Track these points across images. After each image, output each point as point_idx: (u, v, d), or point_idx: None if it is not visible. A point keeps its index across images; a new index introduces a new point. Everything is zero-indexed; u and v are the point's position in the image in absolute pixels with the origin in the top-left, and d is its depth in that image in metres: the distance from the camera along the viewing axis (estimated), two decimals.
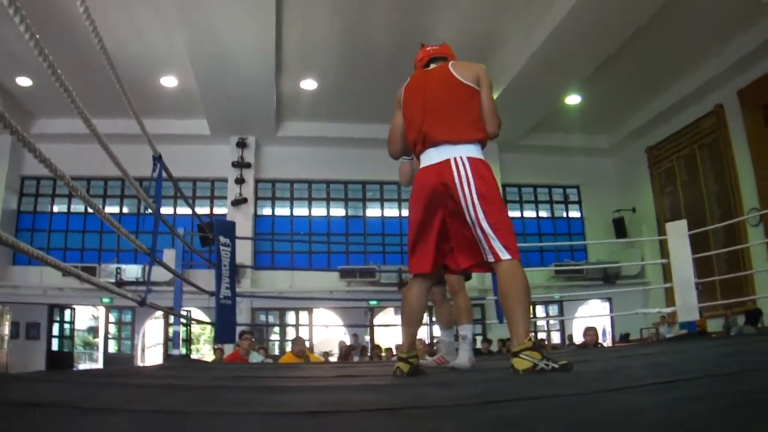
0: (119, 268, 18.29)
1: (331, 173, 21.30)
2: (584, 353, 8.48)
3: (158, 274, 11.92)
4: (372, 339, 20.21)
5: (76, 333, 21.66)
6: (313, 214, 21.54)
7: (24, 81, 17.06)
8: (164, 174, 6.89)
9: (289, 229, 21.13)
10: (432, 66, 4.49)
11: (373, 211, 21.97)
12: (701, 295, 10.12)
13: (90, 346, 23.94)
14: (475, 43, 14.40)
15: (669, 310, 12.23)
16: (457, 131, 4.04)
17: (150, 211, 6.46)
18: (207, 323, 12.78)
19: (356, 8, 14.59)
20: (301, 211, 21.51)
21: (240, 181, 19.93)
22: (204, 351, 24.98)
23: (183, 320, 11.28)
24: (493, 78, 4.83)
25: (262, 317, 20.48)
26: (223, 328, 9.12)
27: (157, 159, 6.62)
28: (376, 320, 21.32)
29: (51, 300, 18.83)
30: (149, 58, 16.05)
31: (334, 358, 17.22)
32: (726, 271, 16.15)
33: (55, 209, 20.55)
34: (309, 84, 17.80)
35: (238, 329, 10.63)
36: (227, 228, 9.45)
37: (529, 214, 22.63)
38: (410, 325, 4.30)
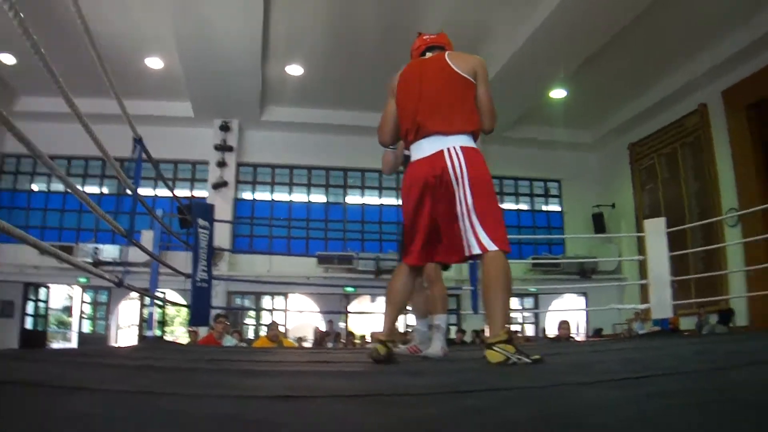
0: (97, 248, 18.19)
1: (312, 159, 21.26)
2: (557, 346, 8.52)
3: (136, 254, 11.92)
4: (347, 326, 20.23)
5: (50, 312, 21.56)
6: (293, 199, 21.50)
7: (8, 58, 16.90)
8: (144, 156, 6.88)
9: (269, 214, 21.09)
10: (428, 55, 4.46)
11: (353, 199, 21.97)
12: (676, 292, 10.20)
13: (64, 325, 23.83)
14: (462, 34, 14.31)
15: (643, 306, 12.31)
16: (450, 122, 4.02)
17: (129, 191, 6.45)
18: (182, 305, 12.75)
19: None
20: (281, 196, 21.47)
21: (221, 164, 19.85)
22: (178, 333, 24.89)
23: (158, 302, 11.27)
24: None
25: (238, 301, 20.46)
26: (198, 310, 9.10)
27: (138, 141, 6.61)
28: (352, 307, 21.33)
29: (26, 278, 18.70)
30: (135, 39, 15.93)
31: (308, 344, 17.23)
32: (702, 269, 16.23)
33: (35, 188, 20.43)
34: (295, 69, 17.73)
35: (213, 312, 10.63)
36: (206, 211, 9.44)
37: (509, 206, 22.70)
38: (393, 309, 4.29)
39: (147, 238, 11.95)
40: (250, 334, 19.61)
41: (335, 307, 20.22)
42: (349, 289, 19.27)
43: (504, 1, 14.58)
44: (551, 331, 17.92)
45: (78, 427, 1.33)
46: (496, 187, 21.63)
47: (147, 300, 10.22)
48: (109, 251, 18.15)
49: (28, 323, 19.34)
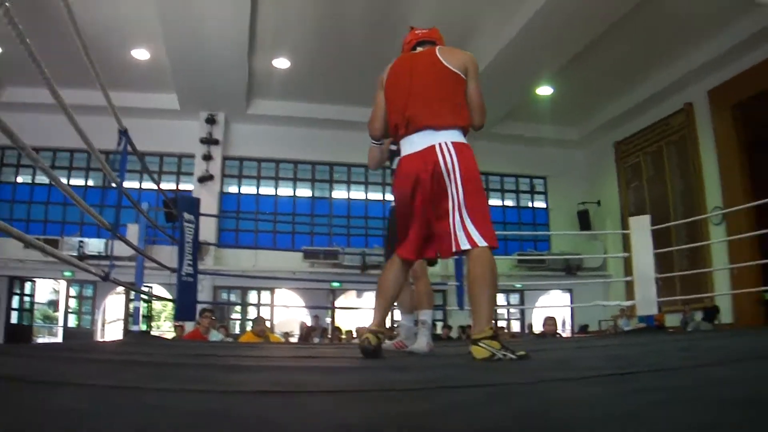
0: (82, 241, 18.10)
1: (299, 153, 21.21)
2: (542, 342, 8.55)
3: (121, 249, 11.84)
4: (333, 321, 20.23)
5: (36, 306, 21.47)
6: (279, 193, 21.44)
7: None
8: (130, 148, 6.85)
9: (255, 208, 21.03)
10: (419, 49, 4.46)
11: (339, 193, 21.94)
12: (661, 289, 10.24)
13: (50, 319, 23.75)
14: (450, 30, 14.29)
15: (628, 303, 12.38)
16: (441, 117, 4.03)
17: (114, 184, 6.43)
18: (168, 300, 12.73)
19: None
20: (267, 190, 21.40)
21: (207, 157, 19.78)
22: (164, 328, 24.86)
23: (144, 296, 11.24)
24: None
25: (224, 295, 20.41)
26: (184, 305, 9.08)
27: (123, 133, 6.58)
28: (338, 302, 21.34)
29: (11, 272, 18.57)
30: (121, 30, 15.80)
31: (294, 339, 17.22)
32: (687, 267, 16.31)
33: (20, 180, 20.26)
34: (282, 63, 17.66)
35: (199, 307, 10.61)
36: (192, 204, 9.41)
37: (495, 202, 22.70)
38: (383, 301, 4.33)
39: (132, 231, 11.92)
40: (236, 329, 19.60)
41: (321, 302, 20.23)
42: (335, 284, 19.27)
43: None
44: (537, 327, 17.97)
45: (63, 423, 1.33)
46: (483, 184, 21.74)
47: (133, 294, 10.17)
48: (95, 245, 18.05)
49: (14, 318, 19.23)
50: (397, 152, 5.28)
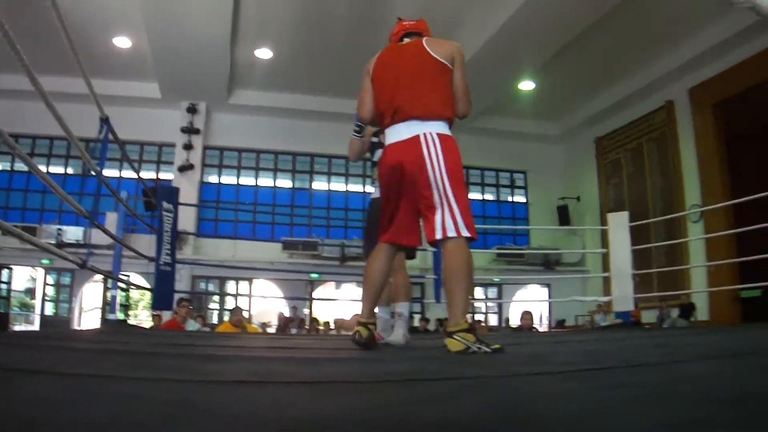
0: (60, 229, 17.97)
1: (280, 144, 21.14)
2: (519, 336, 8.59)
3: (100, 237, 11.84)
4: (311, 312, 20.21)
5: (12, 294, 21.32)
6: (259, 184, 21.38)
7: None
8: (111, 136, 6.83)
9: (234, 198, 20.96)
10: (406, 41, 4.49)
11: (319, 185, 21.89)
12: (638, 286, 10.31)
13: (26, 307, 23.55)
14: (434, 22, 14.19)
15: (605, 299, 12.43)
16: (427, 107, 4.05)
17: (93, 173, 6.40)
18: (146, 289, 12.69)
19: None
20: (247, 180, 21.32)
21: (188, 147, 19.68)
22: (142, 317, 24.74)
23: (121, 285, 11.20)
24: None
25: (203, 285, 20.36)
26: (162, 294, 9.07)
27: (104, 121, 6.56)
28: (316, 293, 21.32)
29: None
30: (103, 17, 15.63)
31: (272, 330, 17.20)
32: (664, 264, 16.42)
33: None
34: (264, 53, 17.58)
35: (177, 296, 10.59)
36: (170, 194, 9.39)
37: (475, 196, 22.72)
38: (371, 291, 4.33)
39: (111, 220, 11.87)
40: (214, 319, 19.54)
41: (300, 293, 20.19)
42: (314, 276, 19.26)
43: None
44: (514, 321, 18.03)
45: (38, 411, 1.34)
46: (464, 176, 21.74)
47: (110, 283, 10.13)
48: (73, 233, 17.94)
49: None
50: (379, 144, 5.31)
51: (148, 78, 18.49)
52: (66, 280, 20.22)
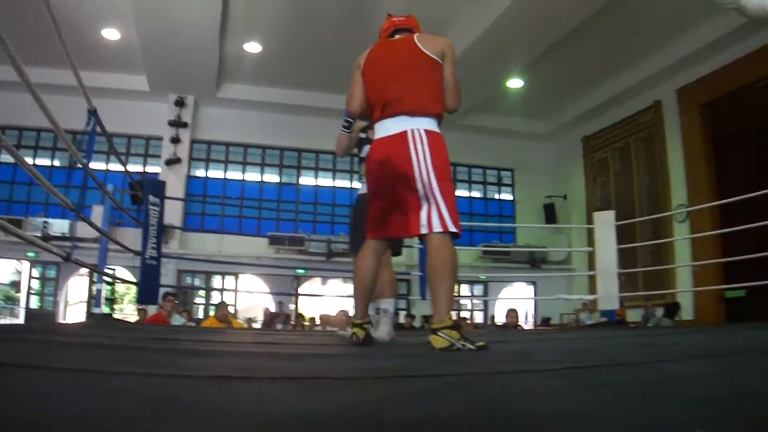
0: (46, 222, 17.87)
1: (267, 138, 21.10)
2: (503, 334, 8.59)
3: (87, 230, 11.79)
4: (297, 307, 20.19)
5: None
6: (246, 178, 21.34)
7: None
8: (98, 129, 6.80)
9: (221, 192, 20.91)
10: (397, 37, 4.47)
11: (306, 180, 21.87)
12: (623, 285, 10.33)
13: (11, 300, 23.46)
14: (423, 19, 14.20)
15: (591, 297, 12.48)
16: (416, 103, 4.06)
17: (80, 165, 6.38)
18: (131, 283, 12.65)
19: None
20: (234, 174, 21.28)
21: (175, 140, 19.63)
22: (128, 311, 24.70)
23: (107, 279, 11.17)
24: None
25: (189, 280, 20.33)
26: (147, 288, 9.04)
27: (92, 113, 6.53)
28: (302, 289, 21.30)
29: None
30: (92, 9, 15.54)
31: (257, 325, 17.18)
32: (650, 263, 16.50)
33: None
34: (253, 47, 17.53)
35: (163, 290, 10.56)
36: (157, 187, 9.35)
37: (462, 193, 22.78)
38: (362, 292, 4.36)
39: (97, 213, 11.81)
40: (200, 314, 19.48)
41: (285, 288, 20.16)
42: (300, 271, 19.24)
43: None
44: (500, 318, 18.06)
45: (21, 405, 1.33)
46: (451, 173, 21.72)
47: (96, 276, 10.11)
48: (59, 226, 17.85)
49: None
50: (366, 140, 5.31)
51: (137, 70, 18.43)
52: (51, 273, 20.15)
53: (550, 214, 21.77)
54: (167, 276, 15.76)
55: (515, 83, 19.20)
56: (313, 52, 17.25)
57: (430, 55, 4.15)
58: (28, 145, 19.70)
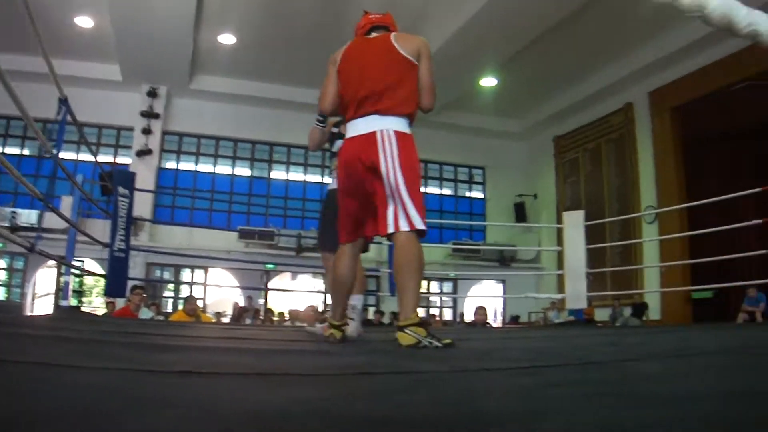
0: (14, 212, 17.67)
1: (239, 131, 21.01)
2: (472, 332, 8.63)
3: (55, 221, 11.69)
4: (266, 302, 20.14)
5: None
6: (217, 171, 21.25)
7: None
8: (69, 118, 6.75)
9: (192, 185, 20.82)
10: (373, 34, 4.46)
11: (278, 174, 21.83)
12: (592, 284, 10.41)
13: None
14: (397, 15, 14.16)
15: (559, 296, 12.53)
16: (389, 103, 4.06)
17: (49, 155, 6.33)
18: (99, 275, 12.57)
19: None
20: (205, 167, 21.18)
21: (147, 131, 19.47)
22: (97, 303, 24.54)
23: (75, 271, 11.09)
24: None
25: (158, 273, 20.21)
26: (115, 281, 9.01)
27: (63, 102, 6.49)
28: (272, 284, 21.25)
29: None
30: None
31: (226, 319, 17.13)
32: (618, 263, 16.64)
33: None
34: (227, 39, 17.44)
35: (131, 283, 10.50)
36: (127, 179, 9.32)
37: (433, 190, 22.83)
38: (340, 294, 4.41)
39: (66, 204, 11.73)
40: (169, 308, 19.38)
41: (255, 283, 20.10)
42: (270, 266, 19.19)
43: None
44: (469, 316, 18.12)
45: None
46: (421, 171, 21.72)
47: (64, 268, 10.04)
48: (28, 216, 17.66)
49: None
50: (338, 135, 5.31)
51: (110, 60, 18.25)
52: (19, 264, 19.93)
53: (520, 212, 21.87)
54: (136, 269, 15.68)
55: (489, 82, 19.25)
56: (287, 46, 17.20)
57: (406, 55, 4.15)
58: None
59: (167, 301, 20.28)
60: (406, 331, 3.65)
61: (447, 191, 23.39)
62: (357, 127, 4.11)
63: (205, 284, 20.54)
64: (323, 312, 14.18)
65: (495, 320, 20.18)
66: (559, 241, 11.92)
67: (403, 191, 3.89)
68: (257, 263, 18.01)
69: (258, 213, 20.84)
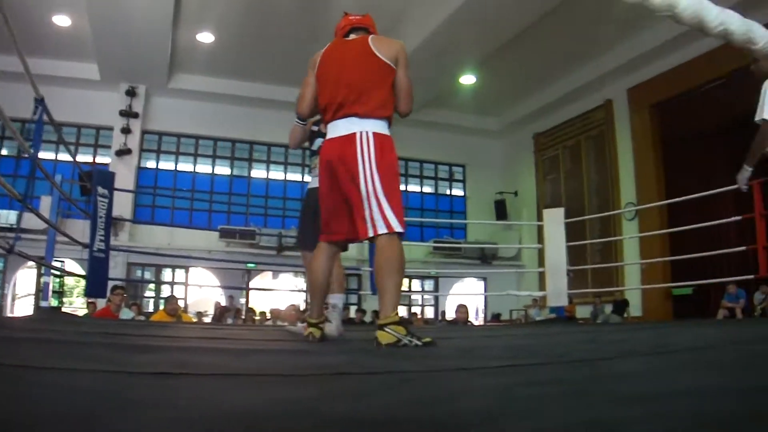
0: None
1: (219, 130, 20.95)
2: (453, 330, 8.64)
3: (35, 221, 11.63)
4: (247, 302, 20.10)
5: None
6: (197, 170, 21.20)
7: None
8: (46, 117, 6.72)
9: (172, 184, 20.75)
10: (352, 36, 4.46)
11: (258, 173, 21.81)
12: (572, 281, 10.45)
13: None
14: (377, 14, 14.14)
15: (540, 293, 12.58)
16: (367, 106, 4.07)
17: (27, 155, 6.30)
18: (79, 276, 12.51)
19: None
20: (185, 166, 21.12)
21: (126, 130, 19.37)
22: (78, 304, 24.43)
23: (55, 271, 11.04)
24: None
25: (138, 273, 20.13)
26: (95, 281, 8.97)
27: (39, 101, 6.46)
28: (253, 283, 21.22)
29: None
30: None
31: (208, 319, 17.09)
32: (599, 260, 16.69)
33: None
34: (206, 37, 17.40)
35: (111, 284, 10.45)
36: (106, 179, 9.28)
37: (414, 188, 22.88)
38: (317, 293, 4.43)
39: (45, 204, 11.66)
40: (150, 308, 19.31)
41: (236, 282, 20.07)
42: (251, 265, 19.15)
43: None
44: (450, 314, 18.15)
45: None
46: (402, 169, 21.75)
47: (44, 269, 9.99)
48: (6, 216, 17.58)
49: None
50: (318, 133, 5.31)
51: (88, 59, 18.17)
52: None
53: (500, 210, 21.94)
54: (116, 269, 15.63)
55: (468, 79, 19.29)
56: (266, 44, 17.18)
57: (383, 59, 4.16)
58: None
59: (148, 301, 20.20)
60: (386, 329, 3.67)
61: (427, 189, 23.42)
62: (337, 129, 4.12)
63: (186, 284, 20.48)
64: (304, 311, 14.17)
65: (476, 318, 20.24)
66: (540, 238, 11.96)
67: (381, 193, 3.91)
68: (238, 262, 17.97)
69: (239, 212, 20.80)
